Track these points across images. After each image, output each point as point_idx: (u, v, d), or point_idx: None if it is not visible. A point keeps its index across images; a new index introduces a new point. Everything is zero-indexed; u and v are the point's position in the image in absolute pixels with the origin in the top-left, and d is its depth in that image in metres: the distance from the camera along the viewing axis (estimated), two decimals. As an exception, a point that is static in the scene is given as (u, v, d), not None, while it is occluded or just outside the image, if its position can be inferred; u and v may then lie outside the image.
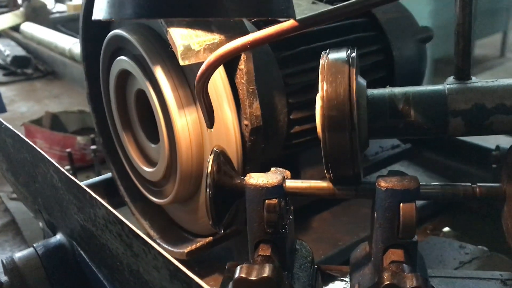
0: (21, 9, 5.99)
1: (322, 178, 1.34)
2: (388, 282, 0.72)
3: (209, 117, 0.84)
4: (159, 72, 0.97)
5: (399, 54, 1.24)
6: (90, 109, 1.31)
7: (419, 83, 1.33)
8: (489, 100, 0.80)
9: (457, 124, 0.81)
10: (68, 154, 2.83)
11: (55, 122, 3.59)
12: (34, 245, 1.20)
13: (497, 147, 1.03)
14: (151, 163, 1.15)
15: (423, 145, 1.57)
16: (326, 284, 0.93)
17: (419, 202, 1.36)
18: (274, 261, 0.81)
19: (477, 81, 0.83)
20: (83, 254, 1.10)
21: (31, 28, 5.51)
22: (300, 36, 0.99)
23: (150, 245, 0.65)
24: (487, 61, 4.53)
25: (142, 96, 1.12)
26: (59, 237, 1.22)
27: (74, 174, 2.50)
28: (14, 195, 2.13)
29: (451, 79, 0.86)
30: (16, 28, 5.76)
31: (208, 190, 0.83)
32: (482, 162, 1.30)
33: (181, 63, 0.87)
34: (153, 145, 1.12)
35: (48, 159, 0.89)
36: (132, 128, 1.19)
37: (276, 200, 0.82)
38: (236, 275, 0.77)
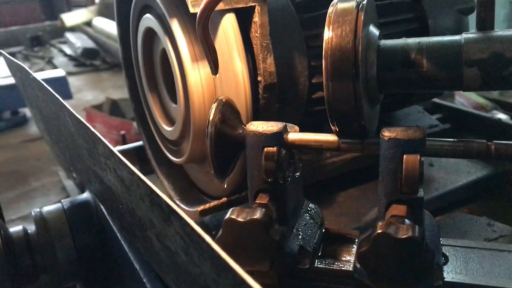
0: (95, 5, 6.30)
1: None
2: (380, 231, 0.68)
3: (214, 62, 0.84)
4: (175, 26, 0.97)
5: (435, 24, 1.18)
6: (124, 75, 1.34)
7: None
8: (509, 49, 0.73)
9: (473, 75, 0.75)
10: (121, 136, 2.93)
11: (115, 108, 3.74)
12: (62, 201, 1.25)
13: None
14: (172, 122, 1.16)
15: (463, 126, 1.48)
16: (331, 246, 0.89)
17: (452, 185, 1.28)
18: (269, 209, 0.79)
19: (499, 31, 0.77)
20: (104, 210, 1.13)
21: (101, 23, 5.80)
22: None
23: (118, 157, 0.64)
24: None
25: (166, 55, 1.13)
26: (85, 195, 1.26)
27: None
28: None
29: (472, 31, 0.81)
30: (89, 22, 6.09)
31: (209, 138, 0.82)
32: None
33: (191, 10, 0.87)
34: (174, 105, 1.13)
35: (63, 103, 0.89)
36: (157, 89, 1.21)
37: (275, 148, 0.80)
38: (227, 216, 0.76)
